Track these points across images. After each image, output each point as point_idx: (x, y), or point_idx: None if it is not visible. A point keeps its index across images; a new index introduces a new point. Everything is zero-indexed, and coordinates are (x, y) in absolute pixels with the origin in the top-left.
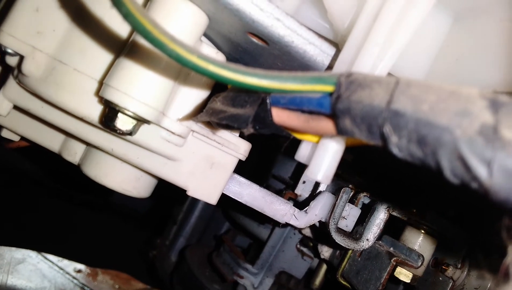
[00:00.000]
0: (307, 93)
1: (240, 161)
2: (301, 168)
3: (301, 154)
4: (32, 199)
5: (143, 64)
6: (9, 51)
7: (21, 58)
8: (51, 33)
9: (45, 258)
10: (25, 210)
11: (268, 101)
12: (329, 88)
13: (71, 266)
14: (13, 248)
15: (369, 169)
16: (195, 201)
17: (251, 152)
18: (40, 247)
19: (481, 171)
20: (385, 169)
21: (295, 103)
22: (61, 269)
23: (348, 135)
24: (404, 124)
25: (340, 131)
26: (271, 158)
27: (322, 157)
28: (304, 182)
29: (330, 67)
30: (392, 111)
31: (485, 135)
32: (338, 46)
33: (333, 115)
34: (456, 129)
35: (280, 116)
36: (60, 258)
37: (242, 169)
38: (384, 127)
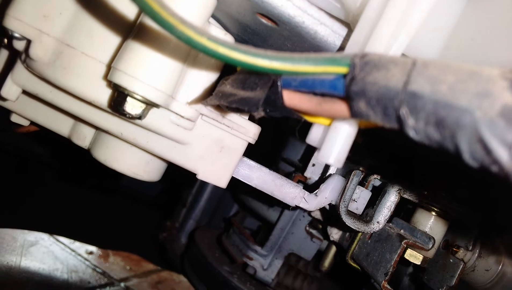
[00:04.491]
0: (319, 75)
1: (249, 144)
2: (311, 151)
3: (312, 137)
4: (43, 183)
5: (151, 46)
6: (16, 35)
7: (28, 42)
8: (58, 17)
9: (57, 240)
10: (36, 194)
11: (279, 83)
12: (343, 69)
13: (82, 248)
14: (26, 231)
15: (379, 151)
16: (204, 184)
17: (260, 135)
18: (52, 230)
19: (502, 154)
20: (396, 151)
21: (307, 85)
22: (73, 251)
23: (363, 118)
24: (422, 106)
25: (354, 114)
26: (280, 141)
27: (334, 140)
28: (313, 165)
29: (341, 48)
30: (409, 92)
31: (506, 116)
32: (350, 26)
33: (347, 98)
34: (476, 110)
35: (291, 98)
36: (72, 240)
37: (252, 152)
38: (400, 109)
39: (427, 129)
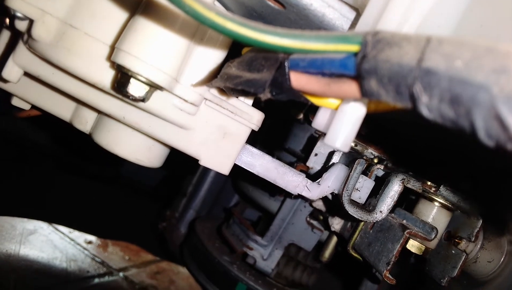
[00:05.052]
0: (329, 54)
1: (252, 132)
2: (313, 141)
3: (319, 121)
4: (43, 171)
5: (156, 25)
6: (19, 15)
7: (31, 22)
8: None
9: (56, 229)
10: (36, 183)
11: (286, 64)
12: (354, 47)
13: (82, 237)
14: (25, 219)
15: (383, 141)
16: (204, 173)
17: (263, 125)
18: (52, 219)
19: None
20: (399, 142)
21: (316, 65)
22: (72, 240)
23: (374, 98)
24: (436, 82)
25: (365, 93)
26: (282, 131)
27: (341, 124)
28: (316, 154)
29: None
30: (423, 69)
31: None
32: (358, 10)
33: (358, 77)
34: (493, 86)
35: (298, 80)
36: (71, 230)
37: (254, 142)
38: (414, 87)
39: (441, 107)
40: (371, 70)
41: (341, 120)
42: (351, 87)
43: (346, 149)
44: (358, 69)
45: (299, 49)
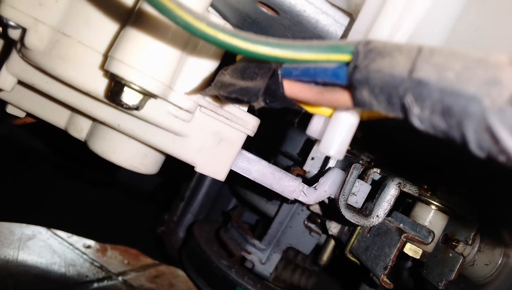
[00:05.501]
0: (321, 63)
1: (248, 137)
2: (310, 144)
3: (313, 129)
4: (41, 176)
5: (149, 34)
6: (11, 23)
7: (24, 31)
8: (53, 4)
9: (55, 234)
10: (34, 188)
11: (279, 72)
12: (346, 57)
13: (80, 242)
14: (23, 225)
15: (379, 145)
16: (202, 177)
17: (259, 129)
18: (50, 224)
19: (510, 143)
20: (396, 146)
21: (309, 74)
22: (71, 245)
23: (366, 107)
24: (428, 94)
25: (357, 103)
26: (278, 135)
27: (335, 131)
28: (312, 158)
29: (343, 38)
30: (414, 80)
31: None
32: (352, 16)
33: (350, 86)
34: (484, 98)
35: (292, 88)
36: (69, 234)
37: (250, 146)
38: (405, 98)
39: (433, 118)
40: (363, 80)
41: (335, 128)
42: (343, 96)
43: (341, 157)
44: (350, 79)
45: (291, 59)
